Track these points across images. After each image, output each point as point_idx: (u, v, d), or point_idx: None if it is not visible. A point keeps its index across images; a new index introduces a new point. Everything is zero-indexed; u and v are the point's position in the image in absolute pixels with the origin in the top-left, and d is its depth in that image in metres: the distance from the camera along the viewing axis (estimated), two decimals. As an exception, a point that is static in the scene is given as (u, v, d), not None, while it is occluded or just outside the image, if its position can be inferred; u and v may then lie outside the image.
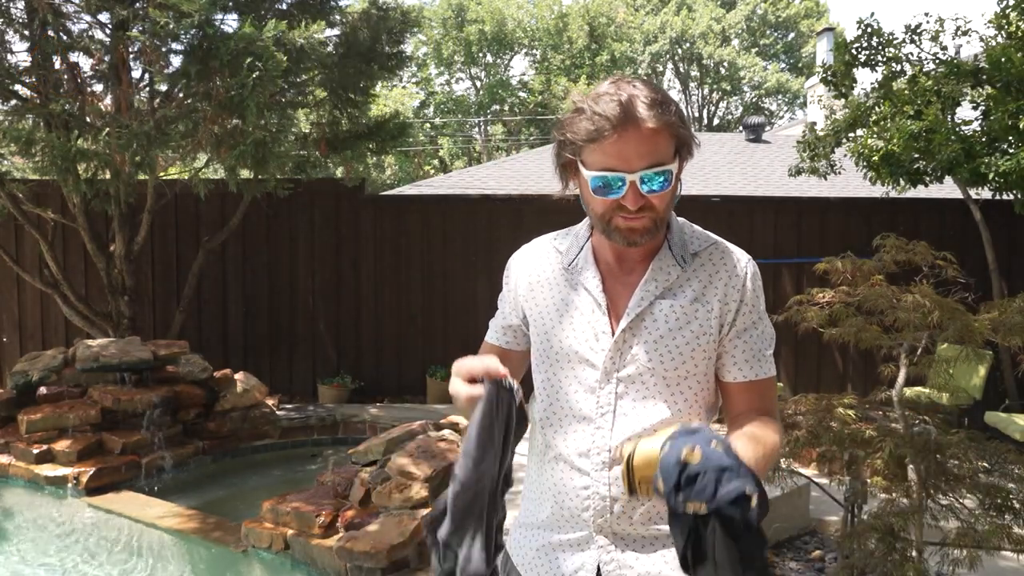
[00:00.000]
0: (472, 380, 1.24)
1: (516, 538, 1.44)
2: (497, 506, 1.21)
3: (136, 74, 5.84)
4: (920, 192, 6.94)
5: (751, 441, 1.23)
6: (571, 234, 1.45)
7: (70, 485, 4.74)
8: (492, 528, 1.19)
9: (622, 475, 1.10)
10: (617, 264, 1.37)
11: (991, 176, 5.74)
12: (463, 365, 1.26)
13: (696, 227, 1.41)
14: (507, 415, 1.19)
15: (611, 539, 1.31)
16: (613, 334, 1.32)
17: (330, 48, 6.33)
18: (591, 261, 1.38)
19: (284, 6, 6.48)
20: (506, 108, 27.17)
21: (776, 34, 29.13)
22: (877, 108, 6.60)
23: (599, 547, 1.31)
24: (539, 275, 1.43)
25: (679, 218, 1.40)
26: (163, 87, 5.99)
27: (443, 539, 1.18)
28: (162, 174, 6.62)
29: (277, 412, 6.16)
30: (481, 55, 27.71)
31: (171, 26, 4.92)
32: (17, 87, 5.90)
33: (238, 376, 6.01)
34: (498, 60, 28.43)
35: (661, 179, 1.24)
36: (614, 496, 1.29)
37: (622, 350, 1.31)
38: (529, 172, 11.16)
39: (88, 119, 5.56)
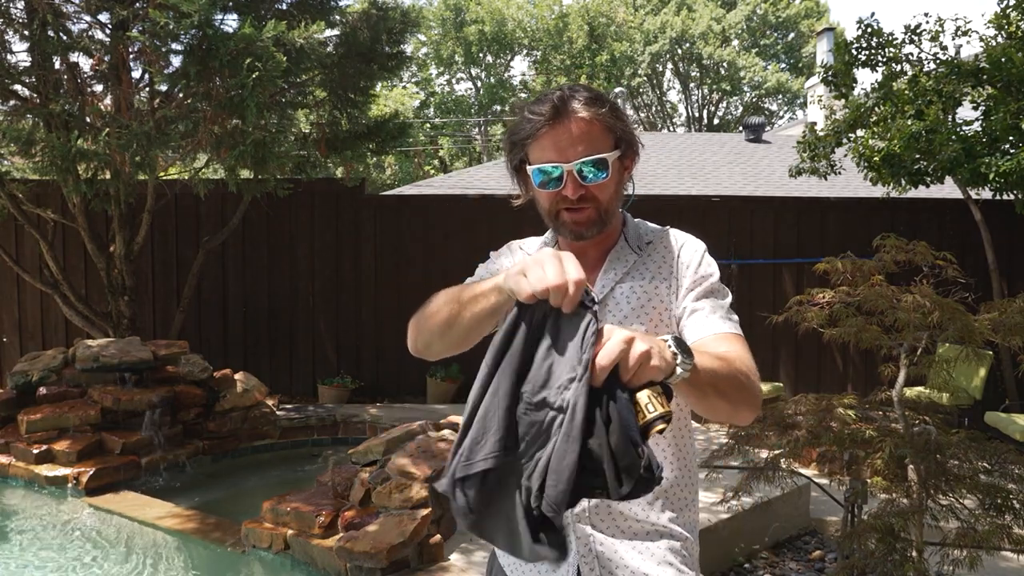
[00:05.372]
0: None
1: None
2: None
3: (136, 74, 5.85)
4: (920, 192, 6.94)
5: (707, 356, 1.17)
6: (538, 240, 1.51)
7: (70, 485, 4.74)
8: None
9: None
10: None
11: (991, 176, 5.74)
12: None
13: (649, 223, 1.48)
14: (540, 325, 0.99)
15: (591, 530, 1.31)
16: None
17: (330, 48, 6.33)
18: None
19: (284, 6, 6.48)
20: (506, 108, 27.15)
21: (776, 34, 29.10)
22: (877, 108, 6.60)
23: (576, 538, 1.31)
24: None
25: (635, 219, 1.48)
26: (163, 87, 5.98)
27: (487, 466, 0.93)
28: (162, 174, 6.62)
29: (277, 412, 6.15)
30: (481, 55, 27.71)
31: (171, 26, 4.92)
32: (17, 87, 5.90)
33: (238, 376, 6.01)
34: (498, 60, 28.43)
35: (599, 168, 1.30)
36: None
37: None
38: (529, 172, 11.12)
39: (88, 119, 5.56)
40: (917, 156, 6.05)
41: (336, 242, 7.64)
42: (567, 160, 1.29)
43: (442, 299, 1.30)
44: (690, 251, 1.40)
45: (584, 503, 1.30)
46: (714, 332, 1.30)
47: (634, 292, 1.36)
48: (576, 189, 1.30)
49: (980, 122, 6.22)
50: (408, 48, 7.46)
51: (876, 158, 6.27)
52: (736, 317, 1.37)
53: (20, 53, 5.82)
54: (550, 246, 1.45)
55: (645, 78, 28.28)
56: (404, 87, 26.50)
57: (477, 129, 26.93)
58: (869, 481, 3.15)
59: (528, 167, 1.34)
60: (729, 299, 1.38)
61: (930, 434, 2.90)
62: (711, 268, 1.39)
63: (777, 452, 3.32)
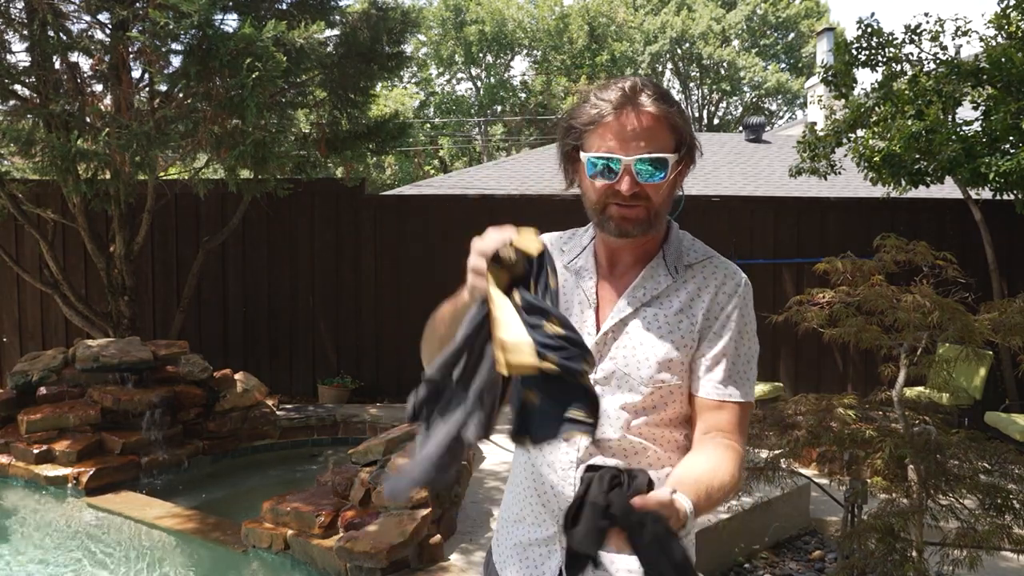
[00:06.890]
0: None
1: (497, 534, 1.47)
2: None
3: (136, 74, 5.84)
4: (920, 192, 6.94)
5: (696, 483, 1.15)
6: (576, 235, 1.46)
7: (70, 485, 4.74)
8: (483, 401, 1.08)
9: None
10: (610, 268, 1.38)
11: (992, 176, 5.74)
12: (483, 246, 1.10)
13: (697, 241, 1.41)
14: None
15: None
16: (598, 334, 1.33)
17: (330, 48, 6.33)
18: (591, 262, 1.39)
19: (284, 6, 6.47)
20: (506, 108, 27.17)
21: (776, 34, 29.11)
22: (877, 108, 6.59)
23: (562, 547, 1.29)
24: None
25: (681, 230, 1.41)
26: (163, 87, 5.98)
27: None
28: (162, 174, 6.61)
29: (277, 412, 6.15)
30: (481, 55, 27.71)
31: (171, 26, 4.92)
32: (17, 87, 5.89)
33: (238, 376, 6.01)
34: (498, 60, 28.42)
35: (657, 167, 1.24)
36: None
37: (602, 351, 1.31)
38: (529, 172, 11.15)
39: (88, 119, 5.56)
40: (917, 156, 6.05)
41: (336, 242, 7.64)
42: (626, 153, 1.23)
43: (437, 320, 1.31)
44: (728, 293, 1.32)
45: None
46: (724, 398, 1.29)
47: (656, 320, 1.30)
48: (631, 186, 1.23)
49: (980, 122, 6.22)
50: (408, 48, 7.46)
51: (876, 158, 6.26)
52: (753, 375, 1.33)
53: (20, 53, 5.83)
54: (586, 243, 1.41)
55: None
56: (404, 87, 26.52)
57: (477, 129, 26.93)
58: (869, 481, 3.15)
59: (583, 154, 1.27)
60: (753, 353, 1.34)
61: (930, 434, 2.90)
62: (747, 311, 1.33)
63: (777, 452, 3.32)
